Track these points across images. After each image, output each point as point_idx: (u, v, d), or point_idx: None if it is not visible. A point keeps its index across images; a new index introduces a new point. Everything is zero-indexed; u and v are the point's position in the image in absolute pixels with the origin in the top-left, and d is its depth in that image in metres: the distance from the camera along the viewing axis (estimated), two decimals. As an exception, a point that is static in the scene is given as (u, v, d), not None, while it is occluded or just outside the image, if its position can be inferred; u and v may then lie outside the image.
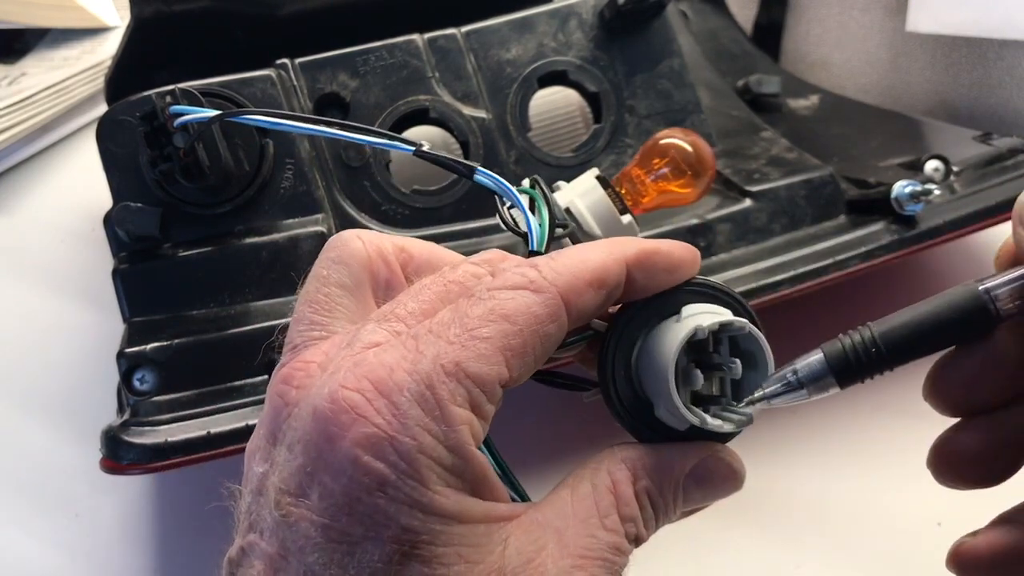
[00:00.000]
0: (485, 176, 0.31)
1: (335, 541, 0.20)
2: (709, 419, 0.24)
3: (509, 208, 0.31)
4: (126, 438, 0.37)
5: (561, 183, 0.39)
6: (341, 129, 0.32)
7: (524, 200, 0.30)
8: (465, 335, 0.22)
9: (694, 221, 0.44)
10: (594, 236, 0.37)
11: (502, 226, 0.31)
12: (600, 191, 0.37)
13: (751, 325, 0.24)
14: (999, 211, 0.44)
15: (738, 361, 0.24)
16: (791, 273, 0.42)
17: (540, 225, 0.29)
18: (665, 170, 0.38)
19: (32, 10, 0.73)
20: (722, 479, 0.25)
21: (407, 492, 0.20)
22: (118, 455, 0.37)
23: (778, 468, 0.44)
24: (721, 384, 0.25)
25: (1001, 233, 0.54)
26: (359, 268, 0.26)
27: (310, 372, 0.23)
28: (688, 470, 0.24)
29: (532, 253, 0.27)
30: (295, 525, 0.21)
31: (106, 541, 0.44)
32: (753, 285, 0.41)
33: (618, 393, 0.24)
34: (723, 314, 0.24)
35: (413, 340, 0.22)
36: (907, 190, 0.43)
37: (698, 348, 0.24)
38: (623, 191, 0.39)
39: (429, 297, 0.24)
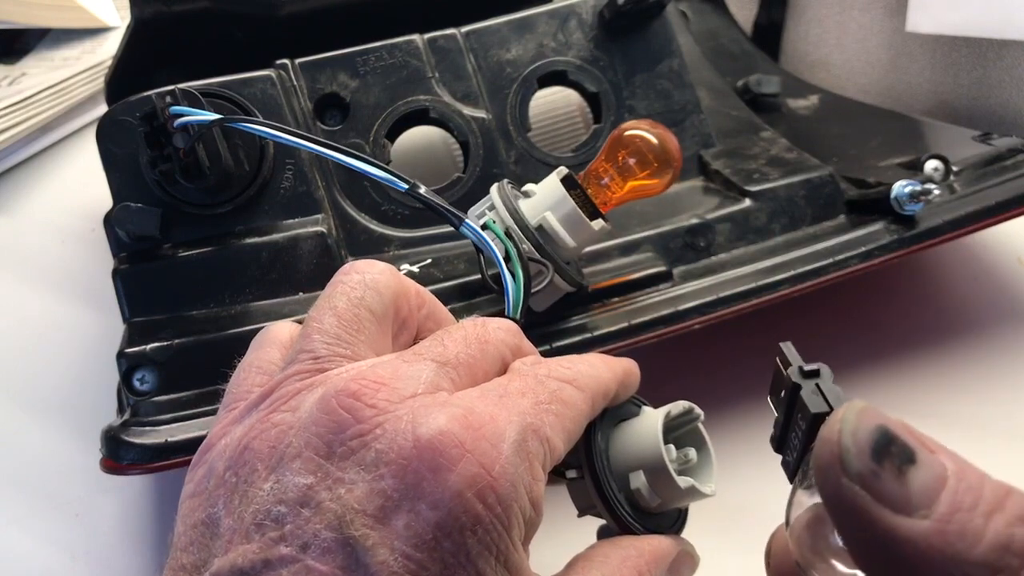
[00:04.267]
0: (470, 231, 0.32)
1: (411, 573, 0.20)
2: (694, 481, 0.28)
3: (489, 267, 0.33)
4: (126, 438, 0.37)
5: (530, 187, 0.39)
6: (341, 153, 0.33)
7: (502, 253, 0.32)
8: (541, 407, 0.24)
9: (694, 221, 0.44)
10: (568, 248, 0.37)
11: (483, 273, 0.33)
12: (570, 202, 0.37)
13: (702, 415, 0.30)
14: (999, 211, 0.44)
15: (693, 449, 0.29)
16: (791, 273, 0.42)
17: (516, 291, 0.31)
18: (631, 161, 0.38)
19: (32, 10, 0.73)
20: (688, 571, 0.28)
21: (493, 538, 0.21)
22: (118, 455, 0.37)
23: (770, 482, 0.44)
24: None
25: (1002, 233, 0.54)
26: (390, 299, 0.26)
27: (387, 396, 0.22)
28: (669, 564, 0.27)
29: (508, 318, 0.30)
30: (372, 550, 0.20)
31: (106, 541, 0.44)
32: (753, 285, 0.41)
33: (606, 476, 0.28)
34: (680, 404, 0.29)
35: (493, 397, 0.23)
36: (907, 190, 0.43)
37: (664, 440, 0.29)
38: (590, 189, 0.38)
39: (473, 352, 0.25)
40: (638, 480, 0.27)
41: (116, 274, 0.41)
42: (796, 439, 0.21)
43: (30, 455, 0.48)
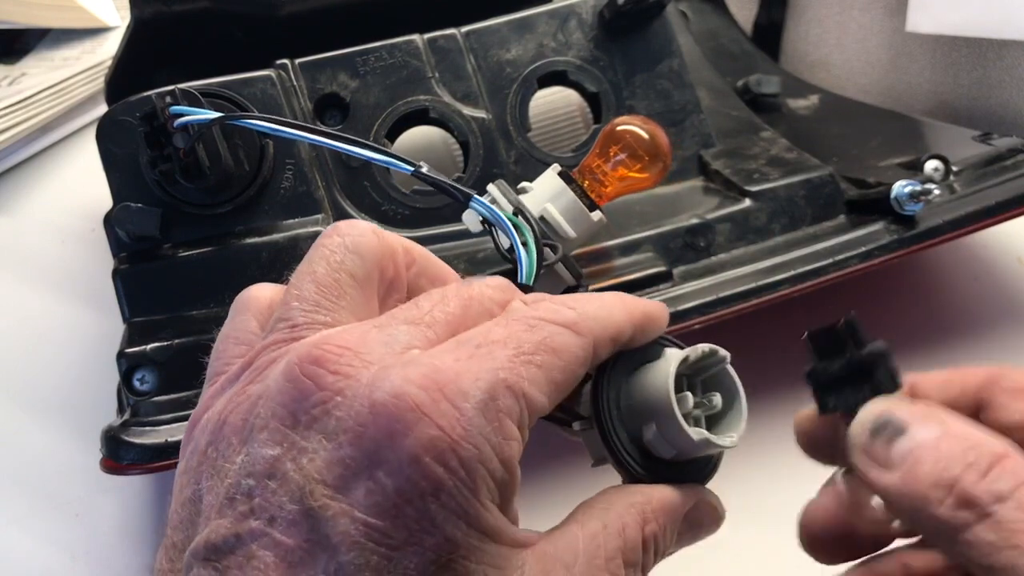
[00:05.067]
0: (480, 205, 0.31)
1: (374, 542, 0.19)
2: (707, 433, 0.25)
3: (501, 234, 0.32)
4: (126, 438, 0.37)
5: (525, 184, 0.39)
6: (341, 141, 0.32)
7: (514, 229, 0.31)
8: (521, 358, 0.22)
9: (694, 221, 0.44)
10: (568, 238, 0.38)
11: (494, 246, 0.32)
12: (569, 193, 0.38)
13: (728, 357, 0.27)
14: (999, 211, 0.44)
15: (718, 394, 0.27)
16: (791, 273, 0.42)
17: (529, 259, 0.30)
18: (622, 156, 0.39)
19: (32, 10, 0.73)
20: (710, 522, 0.27)
21: (459, 501, 0.20)
22: (118, 455, 0.37)
23: (773, 480, 0.44)
24: (696, 420, 0.27)
25: (1002, 233, 0.54)
26: (372, 262, 0.25)
27: (349, 361, 0.21)
28: (685, 514, 0.26)
29: (521, 286, 0.28)
30: (332, 520, 0.20)
31: (106, 541, 0.44)
32: (753, 285, 0.41)
33: (612, 425, 0.26)
34: (703, 347, 0.26)
35: (468, 349, 0.22)
36: (907, 190, 0.43)
37: (679, 386, 0.26)
38: (585, 183, 0.39)
39: (452, 309, 0.24)
40: (650, 431, 0.25)
41: (116, 274, 0.41)
42: (850, 396, 0.25)
43: (30, 455, 0.48)
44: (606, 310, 0.25)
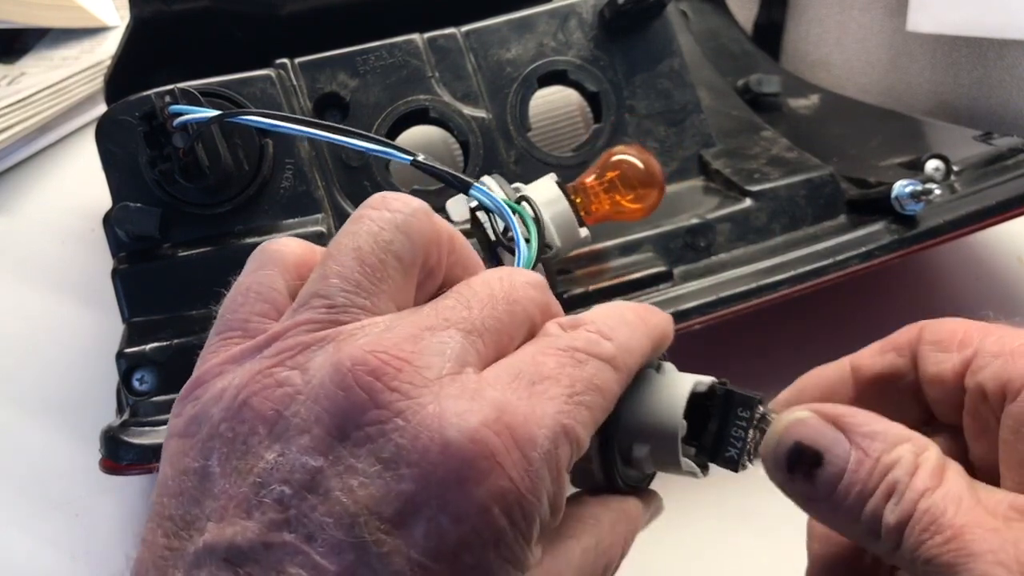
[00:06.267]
0: (480, 193, 0.31)
1: None
2: (695, 466, 0.26)
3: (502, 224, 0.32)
4: (125, 438, 0.37)
5: (520, 185, 0.39)
6: (340, 134, 0.32)
7: (516, 220, 0.31)
8: (575, 399, 0.22)
9: (694, 221, 0.44)
10: (553, 247, 0.38)
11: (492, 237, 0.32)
12: (564, 204, 0.38)
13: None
14: (999, 211, 0.44)
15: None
16: (791, 273, 0.42)
17: (530, 252, 0.30)
18: (617, 183, 0.40)
19: (32, 10, 0.73)
20: (655, 518, 0.28)
21: (515, 552, 0.20)
22: (118, 455, 0.37)
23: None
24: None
25: (1003, 232, 0.54)
26: (420, 246, 0.23)
27: (410, 378, 0.20)
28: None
29: None
30: (386, 557, 0.19)
31: (106, 541, 0.44)
32: (753, 285, 0.41)
33: (612, 440, 0.26)
34: (706, 380, 0.27)
35: (525, 387, 0.21)
36: (907, 189, 0.43)
37: None
38: (578, 200, 0.40)
39: (501, 316, 0.23)
40: (642, 450, 0.26)
41: (116, 274, 0.41)
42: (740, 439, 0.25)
43: (30, 455, 0.48)
44: (637, 339, 0.24)
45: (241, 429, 0.20)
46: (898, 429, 0.23)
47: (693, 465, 0.26)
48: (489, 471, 0.19)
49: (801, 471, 0.23)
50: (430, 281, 0.25)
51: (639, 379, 0.26)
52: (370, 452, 0.19)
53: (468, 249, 0.26)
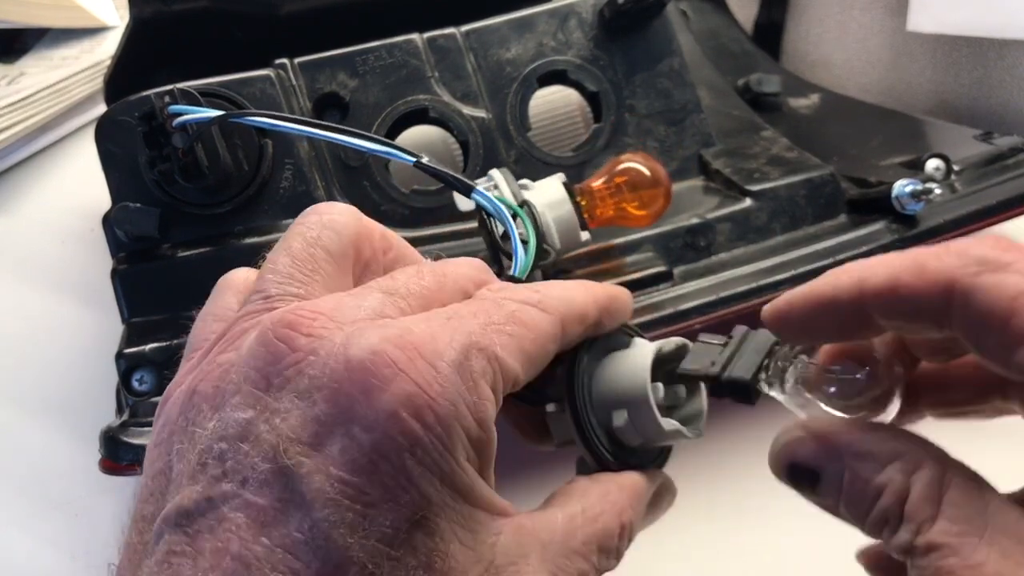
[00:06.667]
0: (482, 196, 0.32)
1: (349, 499, 0.19)
2: (678, 424, 0.26)
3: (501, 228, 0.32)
4: (125, 439, 0.37)
5: (526, 181, 0.39)
6: (342, 134, 0.32)
7: (515, 224, 0.31)
8: (492, 327, 0.22)
9: (694, 220, 0.44)
10: (553, 248, 0.38)
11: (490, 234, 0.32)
12: (569, 206, 0.39)
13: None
14: (1000, 210, 0.44)
15: (683, 386, 0.28)
16: (791, 273, 0.41)
17: (527, 256, 0.30)
18: (624, 189, 0.41)
19: (32, 10, 0.73)
20: (667, 504, 0.27)
21: (435, 458, 0.20)
22: (117, 455, 0.37)
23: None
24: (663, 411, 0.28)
25: (1002, 232, 0.54)
26: (348, 239, 0.25)
27: (323, 324, 0.21)
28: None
29: (510, 278, 0.28)
30: (306, 477, 0.19)
31: (106, 541, 0.44)
32: (753, 285, 0.41)
33: (586, 410, 0.26)
34: (673, 340, 0.27)
35: (440, 319, 0.22)
36: (908, 189, 0.43)
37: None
38: (583, 203, 0.40)
39: (427, 283, 0.24)
40: (621, 417, 0.26)
41: (115, 274, 0.41)
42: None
43: (30, 455, 0.48)
44: (570, 292, 0.25)
45: (191, 414, 0.22)
46: (890, 446, 0.22)
47: (675, 423, 0.26)
48: (392, 377, 0.20)
49: (803, 486, 0.24)
50: (368, 276, 0.26)
51: (610, 358, 0.27)
52: (289, 391, 0.21)
53: (409, 250, 0.28)
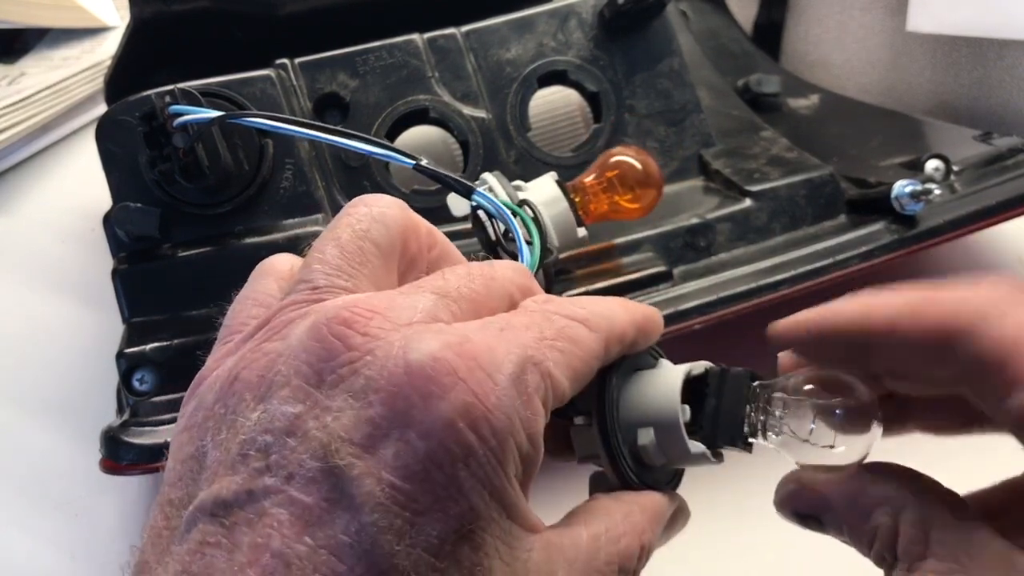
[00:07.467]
0: (482, 198, 0.31)
1: (399, 505, 0.19)
2: (704, 447, 0.26)
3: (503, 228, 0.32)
4: (125, 438, 0.37)
5: (520, 183, 0.39)
6: (342, 137, 0.32)
7: (518, 223, 0.31)
8: (545, 342, 0.22)
9: (694, 221, 0.44)
10: (553, 248, 0.38)
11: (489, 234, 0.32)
12: (564, 204, 0.39)
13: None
14: (1000, 211, 0.44)
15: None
16: (791, 273, 0.42)
17: (532, 257, 0.30)
18: (615, 183, 0.41)
19: (32, 10, 0.73)
20: (682, 525, 0.28)
21: (487, 472, 0.20)
22: (118, 455, 0.37)
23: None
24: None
25: (1003, 233, 0.54)
26: (397, 233, 0.25)
27: (380, 324, 0.21)
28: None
29: None
30: (357, 479, 0.19)
31: (106, 541, 0.44)
32: (753, 285, 0.41)
33: (614, 427, 0.26)
34: (701, 364, 0.27)
35: (494, 329, 0.22)
36: (907, 189, 0.43)
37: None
38: (577, 199, 0.40)
39: (477, 287, 0.24)
40: (647, 437, 0.26)
41: (116, 274, 0.41)
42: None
43: (30, 455, 0.48)
44: (612, 311, 0.25)
45: (231, 402, 0.21)
46: (876, 491, 0.24)
47: (701, 447, 0.26)
48: (452, 386, 0.20)
49: (811, 527, 0.26)
50: (413, 273, 0.26)
51: (637, 376, 0.27)
52: (343, 390, 0.20)
53: (450, 245, 0.28)
